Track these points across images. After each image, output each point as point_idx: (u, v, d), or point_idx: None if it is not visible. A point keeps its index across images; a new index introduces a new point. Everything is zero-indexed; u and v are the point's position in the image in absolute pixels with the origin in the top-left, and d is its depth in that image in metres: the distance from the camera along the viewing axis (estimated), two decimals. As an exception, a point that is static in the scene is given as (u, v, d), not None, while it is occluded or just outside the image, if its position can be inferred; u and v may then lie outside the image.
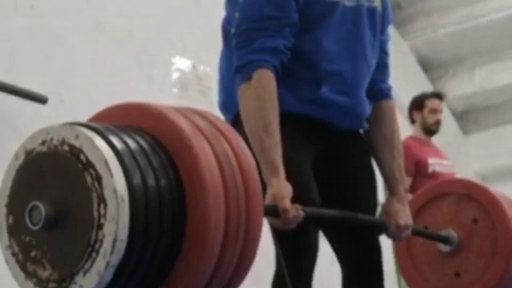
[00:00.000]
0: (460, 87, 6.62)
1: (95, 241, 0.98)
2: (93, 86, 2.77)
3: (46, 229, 1.02)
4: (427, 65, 6.53)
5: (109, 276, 0.99)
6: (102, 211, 0.99)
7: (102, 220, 0.98)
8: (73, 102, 2.64)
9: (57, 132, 1.06)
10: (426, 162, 3.51)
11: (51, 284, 1.03)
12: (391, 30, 5.33)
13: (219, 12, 3.82)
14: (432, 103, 3.64)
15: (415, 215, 1.89)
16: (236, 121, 1.60)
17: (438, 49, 6.14)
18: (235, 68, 1.57)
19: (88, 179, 1.00)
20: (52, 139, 1.06)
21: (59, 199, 1.03)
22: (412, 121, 3.68)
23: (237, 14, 1.60)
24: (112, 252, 0.97)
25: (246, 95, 1.53)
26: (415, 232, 1.78)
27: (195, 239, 1.05)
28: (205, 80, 3.35)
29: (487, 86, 6.66)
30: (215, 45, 3.66)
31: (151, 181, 1.03)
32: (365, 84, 1.71)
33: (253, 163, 1.17)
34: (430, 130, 3.62)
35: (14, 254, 1.07)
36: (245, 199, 1.10)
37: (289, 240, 1.50)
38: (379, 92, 1.77)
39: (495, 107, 7.24)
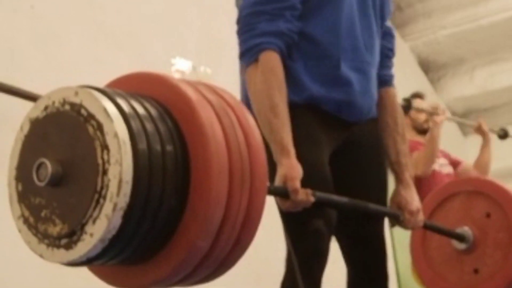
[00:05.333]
0: (460, 89, 6.62)
1: (102, 187, 1.01)
2: (93, 87, 2.77)
3: (54, 185, 1.05)
4: (427, 67, 6.53)
5: (117, 220, 1.00)
6: (105, 157, 1.02)
7: (106, 166, 1.01)
8: (73, 102, 2.64)
9: (57, 94, 1.12)
10: None
11: (63, 240, 1.05)
12: (391, 31, 5.13)
13: (220, 13, 3.84)
14: (416, 102, 3.63)
15: (428, 219, 1.90)
16: None
17: (438, 50, 6.14)
18: (241, 53, 1.59)
19: (90, 129, 1.04)
20: (53, 103, 1.11)
21: (64, 155, 1.06)
22: None
23: (240, 1, 1.63)
24: (118, 193, 1.00)
25: (253, 77, 1.55)
26: (431, 228, 1.79)
27: (199, 186, 1.06)
28: (205, 81, 3.34)
29: (487, 88, 6.66)
30: (216, 46, 3.68)
31: (151, 128, 1.06)
32: (376, 62, 1.74)
33: (258, 134, 1.18)
34: (423, 128, 3.60)
35: (25, 221, 1.11)
36: (248, 154, 1.12)
37: (304, 243, 1.50)
38: (381, 78, 1.78)
39: (495, 108, 7.23)
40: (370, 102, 1.71)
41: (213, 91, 1.20)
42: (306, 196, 1.42)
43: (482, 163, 3.77)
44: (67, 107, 1.08)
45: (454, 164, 3.66)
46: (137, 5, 3.17)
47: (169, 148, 1.06)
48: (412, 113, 3.60)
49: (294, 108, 1.56)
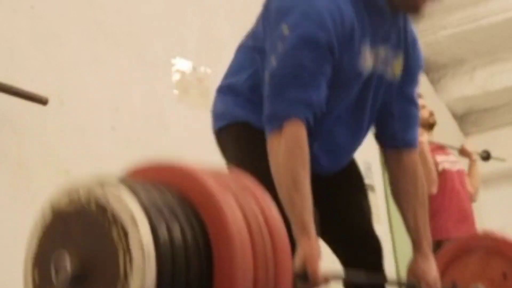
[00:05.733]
0: (460, 89, 6.62)
1: None
2: (93, 88, 2.77)
3: (73, 285, 1.02)
4: (427, 67, 6.52)
5: None
6: (128, 263, 0.99)
7: (128, 272, 0.99)
8: (73, 103, 2.64)
9: (84, 189, 1.07)
10: (436, 162, 3.51)
11: None
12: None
13: (220, 13, 3.84)
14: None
15: (443, 271, 1.88)
16: (226, 128, 1.62)
17: (438, 51, 6.14)
18: (266, 116, 1.51)
19: (115, 233, 1.01)
20: (79, 199, 1.07)
21: (85, 253, 1.04)
22: None
23: (274, 60, 1.52)
24: None
25: (276, 147, 1.48)
26: None
27: None
28: (206, 82, 3.34)
29: (487, 88, 6.66)
30: (216, 46, 3.68)
31: (177, 235, 1.03)
32: (357, 148, 1.72)
33: (280, 220, 1.15)
34: (429, 123, 3.61)
35: None
36: (273, 256, 1.09)
37: None
38: (400, 141, 1.73)
39: (495, 109, 7.23)
40: (343, 163, 1.71)
41: (243, 186, 1.16)
42: (324, 280, 1.40)
43: (475, 179, 3.82)
44: (93, 206, 1.05)
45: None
46: (137, 5, 3.16)
47: (194, 260, 1.04)
48: None
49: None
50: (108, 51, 2.89)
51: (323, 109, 1.51)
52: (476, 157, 4.02)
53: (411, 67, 1.72)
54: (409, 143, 1.74)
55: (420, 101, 3.62)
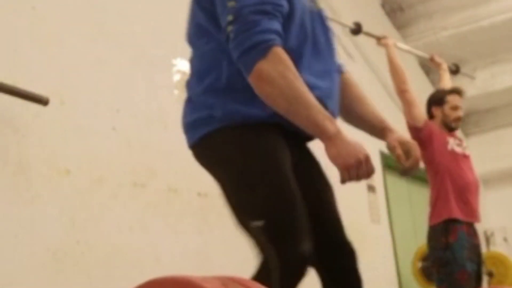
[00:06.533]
0: (461, 90, 6.62)
1: None
2: (94, 88, 2.77)
3: None
4: (428, 68, 6.53)
5: None
6: None
7: None
8: (74, 103, 2.64)
9: None
10: (445, 140, 3.52)
11: None
12: (392, 32, 5.37)
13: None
14: (453, 99, 3.64)
15: None
16: (207, 138, 1.61)
17: (439, 51, 6.14)
18: (244, 50, 1.51)
19: None
20: None
21: None
22: (431, 116, 3.67)
23: (232, 3, 1.56)
24: None
25: (266, 73, 1.49)
26: None
27: None
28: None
29: (488, 89, 6.67)
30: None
31: None
32: (335, 70, 1.78)
33: None
34: (451, 126, 3.61)
35: None
36: None
37: (291, 263, 1.47)
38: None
39: (496, 109, 7.24)
40: (336, 102, 1.75)
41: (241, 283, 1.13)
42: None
43: (446, 85, 4.07)
44: None
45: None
46: (137, 5, 3.17)
47: None
48: (446, 108, 3.61)
49: (260, 124, 1.57)
50: (109, 51, 2.90)
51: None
52: (445, 67, 4.29)
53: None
54: (344, 69, 1.91)
55: (460, 101, 3.68)
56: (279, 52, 1.51)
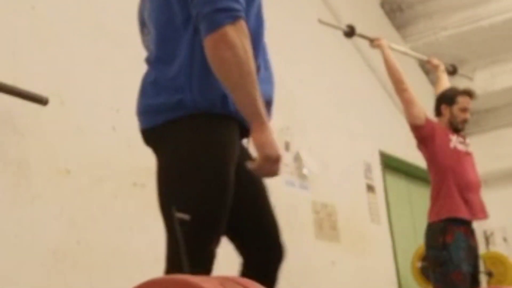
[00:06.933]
0: (461, 90, 6.61)
1: None
2: (94, 88, 2.77)
3: None
4: (427, 68, 6.52)
5: None
6: None
7: None
8: (73, 103, 2.64)
9: None
10: (448, 137, 3.52)
11: None
12: (392, 32, 5.36)
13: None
14: (464, 100, 3.64)
15: None
16: (173, 123, 1.57)
17: (439, 51, 6.14)
18: (212, 9, 1.48)
19: None
20: None
21: None
22: (439, 114, 3.67)
23: None
24: None
25: (230, 38, 1.47)
26: None
27: None
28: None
29: (487, 89, 6.67)
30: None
31: None
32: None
33: None
34: (457, 127, 3.60)
35: None
36: None
37: (200, 266, 1.46)
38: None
39: (495, 109, 7.24)
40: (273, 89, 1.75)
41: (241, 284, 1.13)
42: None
43: (445, 86, 4.05)
44: None
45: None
46: (137, 5, 3.17)
47: None
48: (455, 109, 3.61)
49: (226, 116, 1.57)
50: (108, 51, 2.90)
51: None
52: (443, 68, 4.23)
53: None
54: None
55: (469, 103, 3.68)
56: (246, 26, 1.51)
